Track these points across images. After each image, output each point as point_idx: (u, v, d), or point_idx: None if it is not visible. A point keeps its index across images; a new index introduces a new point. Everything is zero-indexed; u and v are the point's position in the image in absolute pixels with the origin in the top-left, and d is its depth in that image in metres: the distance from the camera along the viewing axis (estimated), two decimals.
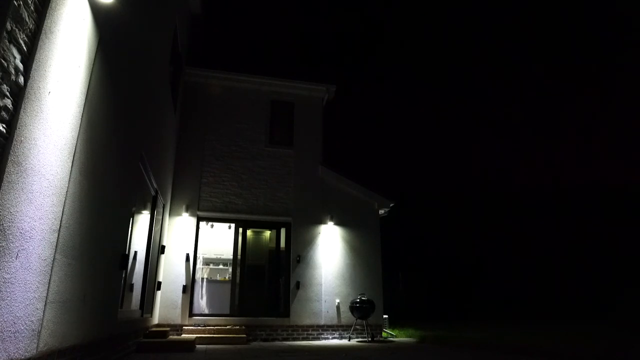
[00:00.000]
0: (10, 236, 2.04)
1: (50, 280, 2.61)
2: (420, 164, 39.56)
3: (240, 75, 10.19)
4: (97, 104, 3.28)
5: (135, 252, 5.85)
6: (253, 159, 9.69)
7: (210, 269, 10.20)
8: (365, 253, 9.59)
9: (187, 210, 8.91)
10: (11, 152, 1.99)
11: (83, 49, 2.91)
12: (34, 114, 2.21)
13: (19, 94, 2.07)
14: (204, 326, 8.13)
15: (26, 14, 2.06)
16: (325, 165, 10.04)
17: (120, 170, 4.29)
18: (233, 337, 7.74)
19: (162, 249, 8.06)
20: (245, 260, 9.19)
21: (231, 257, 9.23)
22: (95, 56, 3.17)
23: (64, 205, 2.74)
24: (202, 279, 9.37)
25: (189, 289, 8.44)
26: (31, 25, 2.13)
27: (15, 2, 1.93)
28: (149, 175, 6.19)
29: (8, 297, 2.07)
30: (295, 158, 9.96)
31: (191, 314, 8.39)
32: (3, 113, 1.93)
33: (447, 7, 37.56)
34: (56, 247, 2.67)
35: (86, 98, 3.03)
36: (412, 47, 41.03)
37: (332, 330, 8.90)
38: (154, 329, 7.16)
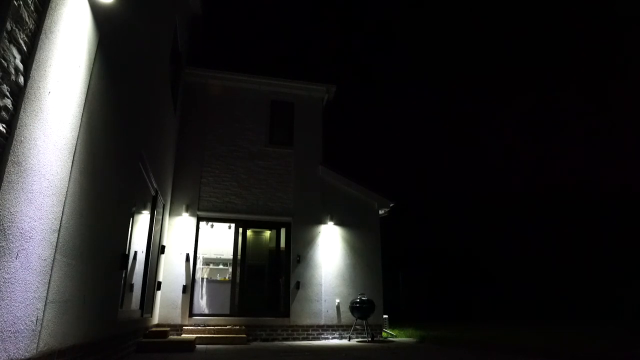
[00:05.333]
0: (10, 236, 2.04)
1: (50, 280, 2.61)
2: (421, 164, 39.56)
3: (240, 75, 10.19)
4: (97, 104, 3.28)
5: (135, 252, 5.85)
6: (253, 158, 9.69)
7: (210, 269, 10.21)
8: (365, 253, 9.59)
9: (187, 210, 8.91)
10: (11, 152, 1.99)
11: (83, 49, 2.91)
12: (34, 114, 2.21)
13: (19, 94, 2.07)
14: (204, 326, 8.13)
15: (26, 14, 2.06)
16: (325, 165, 10.04)
17: (120, 170, 4.29)
18: (233, 337, 7.74)
19: (162, 249, 8.06)
20: (245, 260, 9.19)
21: (231, 257, 9.23)
22: (95, 56, 3.16)
23: (64, 205, 2.74)
24: (202, 279, 9.37)
25: (189, 289, 8.44)
26: (31, 25, 2.13)
27: (15, 2, 1.93)
28: (149, 175, 6.19)
29: (8, 297, 2.07)
30: (295, 158, 9.96)
31: (191, 314, 8.39)
32: (3, 113, 1.93)
33: (448, 8, 37.54)
34: (56, 247, 2.67)
35: (86, 98, 3.03)
36: (413, 47, 41.01)
37: (332, 330, 8.90)
38: (154, 329, 7.16)
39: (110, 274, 4.26)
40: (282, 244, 9.48)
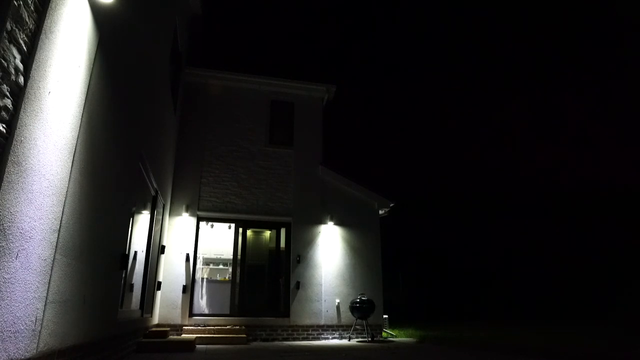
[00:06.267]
0: (10, 236, 2.04)
1: (50, 280, 2.61)
2: (421, 164, 39.57)
3: (240, 75, 10.19)
4: (97, 104, 3.28)
5: (135, 252, 5.85)
6: (253, 159, 9.69)
7: (210, 269, 10.21)
8: (365, 253, 9.59)
9: (187, 210, 8.91)
10: (11, 152, 1.99)
11: (83, 49, 2.91)
12: (34, 114, 2.21)
13: (19, 94, 2.07)
14: (204, 326, 8.13)
15: (26, 14, 2.06)
16: (325, 165, 10.04)
17: (120, 170, 4.29)
18: (233, 337, 7.74)
19: (162, 249, 8.06)
20: (245, 260, 9.19)
21: (231, 257, 9.23)
22: (95, 56, 3.17)
23: (64, 205, 2.74)
24: (202, 279, 9.36)
25: (189, 289, 8.44)
26: (31, 25, 2.13)
27: (15, 2, 1.93)
28: (149, 175, 6.19)
29: (8, 297, 2.07)
30: (295, 158, 9.96)
31: (191, 314, 8.38)
32: (3, 113, 1.93)
33: (447, 7, 37.55)
34: (56, 247, 2.67)
35: (86, 98, 3.03)
36: (413, 47, 41.02)
37: (332, 330, 8.90)
38: (154, 329, 7.16)
39: (110, 274, 4.26)
40: (282, 244, 9.48)
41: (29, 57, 2.14)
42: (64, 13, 2.50)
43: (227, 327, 8.15)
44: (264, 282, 9.63)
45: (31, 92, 2.16)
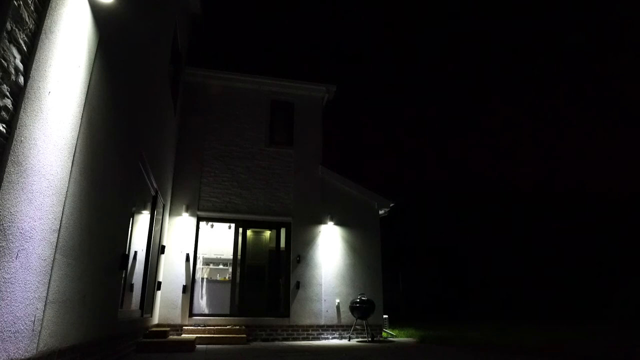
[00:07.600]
0: (10, 236, 2.04)
1: (50, 280, 2.61)
2: (421, 164, 39.58)
3: (240, 75, 10.19)
4: (97, 104, 3.28)
5: (135, 252, 5.85)
6: (253, 159, 9.69)
7: (210, 269, 10.21)
8: (365, 253, 9.59)
9: (187, 210, 8.91)
10: (11, 152, 1.99)
11: (83, 49, 2.91)
12: (34, 114, 2.21)
13: (19, 94, 2.07)
14: (204, 326, 8.13)
15: (26, 14, 2.06)
16: (325, 165, 10.04)
17: (120, 170, 4.29)
18: (233, 337, 7.74)
19: (162, 249, 8.06)
20: (245, 260, 9.19)
21: (231, 257, 9.23)
22: (95, 56, 3.17)
23: (64, 205, 2.74)
24: (202, 279, 9.37)
25: (189, 289, 8.44)
26: (31, 25, 2.13)
27: (15, 2, 1.93)
28: (149, 175, 6.19)
29: (8, 297, 2.07)
30: (295, 158, 9.96)
31: (191, 314, 8.38)
32: (3, 113, 1.93)
33: (447, 7, 37.57)
34: (56, 247, 2.67)
35: (86, 98, 3.03)
36: (412, 46, 41.03)
37: (332, 330, 8.90)
38: (154, 329, 7.16)
39: (110, 274, 4.26)
40: (282, 244, 9.48)
41: (29, 57, 2.14)
42: (64, 13, 2.51)
43: (227, 327, 8.15)
44: (264, 282, 9.62)
45: (31, 92, 2.16)
